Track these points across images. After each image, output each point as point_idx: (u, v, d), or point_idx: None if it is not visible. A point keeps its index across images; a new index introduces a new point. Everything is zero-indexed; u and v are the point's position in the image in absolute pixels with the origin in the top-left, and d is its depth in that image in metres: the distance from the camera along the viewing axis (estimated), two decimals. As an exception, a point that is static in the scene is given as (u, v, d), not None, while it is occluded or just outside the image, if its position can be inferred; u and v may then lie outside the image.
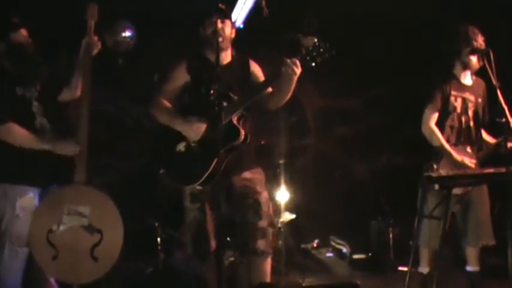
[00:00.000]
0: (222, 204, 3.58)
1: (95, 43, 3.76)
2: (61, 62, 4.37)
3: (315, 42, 3.50)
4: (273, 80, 3.66)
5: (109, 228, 3.59)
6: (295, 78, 3.56)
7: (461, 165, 4.19)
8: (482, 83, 4.43)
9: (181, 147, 3.71)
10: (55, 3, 5.09)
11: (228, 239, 3.93)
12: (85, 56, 3.74)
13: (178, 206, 3.96)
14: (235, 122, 3.62)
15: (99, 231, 3.56)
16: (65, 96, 3.87)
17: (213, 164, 3.54)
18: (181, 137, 3.72)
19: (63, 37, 4.32)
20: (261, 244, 3.69)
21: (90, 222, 3.57)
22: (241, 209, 3.72)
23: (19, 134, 3.58)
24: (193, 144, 3.69)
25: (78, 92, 3.79)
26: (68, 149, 3.64)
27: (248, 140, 3.64)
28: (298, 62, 3.51)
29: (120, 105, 5.69)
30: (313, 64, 3.51)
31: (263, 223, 3.73)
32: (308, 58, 3.51)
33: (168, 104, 3.81)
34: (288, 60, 3.52)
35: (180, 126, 3.70)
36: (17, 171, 3.60)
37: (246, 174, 3.77)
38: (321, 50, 3.49)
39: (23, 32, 3.70)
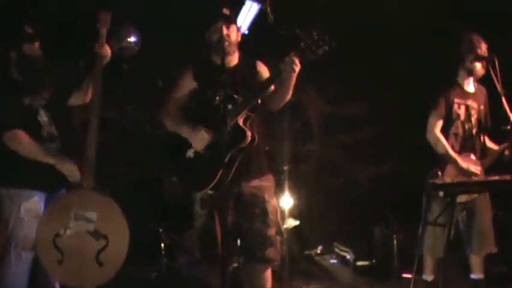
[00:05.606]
0: (230, 211, 3.57)
1: (107, 51, 3.72)
2: (79, 72, 4.33)
3: (314, 35, 3.47)
4: (275, 78, 3.61)
5: (115, 234, 3.60)
6: (294, 75, 3.52)
7: (467, 172, 4.19)
8: (483, 90, 4.44)
9: (190, 153, 3.69)
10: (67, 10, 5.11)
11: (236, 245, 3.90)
12: (96, 65, 3.70)
13: (184, 212, 3.97)
14: (241, 123, 3.59)
15: (105, 237, 3.58)
16: (75, 100, 3.85)
17: (222, 168, 3.50)
18: (190, 144, 3.69)
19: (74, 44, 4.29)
20: (270, 252, 3.67)
21: (96, 228, 3.58)
22: (248, 218, 3.69)
23: (25, 143, 3.59)
24: (202, 150, 3.66)
25: (89, 97, 3.78)
26: (69, 171, 3.64)
27: (256, 141, 3.60)
28: (297, 60, 3.47)
29: (125, 111, 5.70)
30: (314, 57, 3.47)
31: (271, 232, 3.69)
32: (308, 52, 3.47)
33: (176, 112, 3.79)
34: (287, 58, 3.49)
35: (186, 134, 3.69)
36: (23, 175, 3.61)
37: (255, 182, 3.72)
38: (321, 42, 3.45)
39: (36, 44, 3.68)
